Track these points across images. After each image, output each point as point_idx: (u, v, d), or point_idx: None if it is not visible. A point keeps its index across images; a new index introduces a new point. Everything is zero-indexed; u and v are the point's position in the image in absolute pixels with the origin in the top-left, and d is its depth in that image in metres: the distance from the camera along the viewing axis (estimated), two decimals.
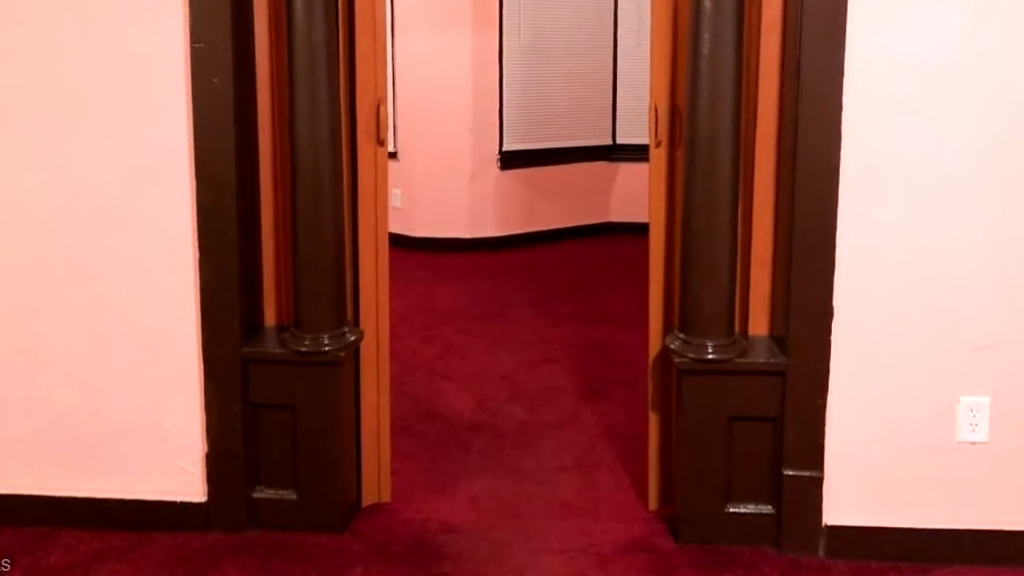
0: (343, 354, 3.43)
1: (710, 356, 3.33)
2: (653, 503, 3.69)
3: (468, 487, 3.84)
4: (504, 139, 8.27)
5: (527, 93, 8.36)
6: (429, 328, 5.96)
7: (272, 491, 3.55)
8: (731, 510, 3.46)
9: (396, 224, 6.98)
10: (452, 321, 6.11)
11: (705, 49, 3.20)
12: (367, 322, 3.61)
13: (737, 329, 3.45)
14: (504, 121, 8.26)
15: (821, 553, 3.40)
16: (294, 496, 3.53)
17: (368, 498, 3.71)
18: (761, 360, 3.37)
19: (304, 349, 3.39)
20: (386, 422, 3.73)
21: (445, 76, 8.02)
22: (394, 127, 7.99)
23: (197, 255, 3.37)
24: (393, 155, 7.96)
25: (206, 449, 3.48)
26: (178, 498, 3.52)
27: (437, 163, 8.13)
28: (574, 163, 8.74)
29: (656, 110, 3.49)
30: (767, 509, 3.45)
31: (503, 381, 5.03)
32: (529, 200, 8.47)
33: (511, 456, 4.13)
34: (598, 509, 3.69)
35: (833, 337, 3.32)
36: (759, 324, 3.51)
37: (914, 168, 3.24)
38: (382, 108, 3.54)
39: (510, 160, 8.30)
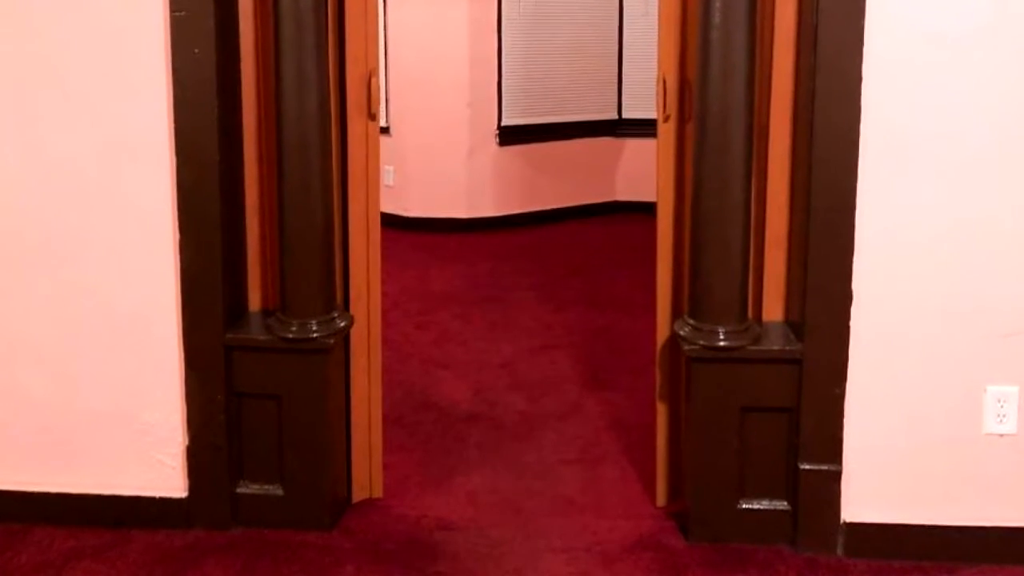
0: (332, 341, 3.43)
1: (721, 343, 3.32)
2: (661, 499, 3.69)
3: (465, 482, 3.85)
4: (503, 113, 8.27)
5: (527, 64, 8.35)
6: (424, 313, 5.97)
7: (257, 486, 3.55)
8: (744, 506, 3.47)
9: (388, 203, 6.98)
10: (448, 306, 6.11)
11: (716, 18, 3.19)
12: (358, 307, 3.61)
13: (750, 314, 3.44)
14: (503, 94, 8.25)
15: (840, 552, 3.40)
16: (280, 491, 3.53)
17: (359, 493, 3.71)
18: (776, 347, 3.37)
19: (291, 335, 3.39)
20: (378, 413, 3.73)
21: (440, 46, 8.01)
22: (386, 101, 7.99)
23: (177, 236, 3.36)
24: (385, 130, 7.96)
25: (187, 442, 3.48)
26: (157, 493, 3.52)
27: (432, 139, 8.12)
28: (577, 139, 8.74)
29: (664, 82, 3.48)
30: (782, 505, 3.45)
31: (502, 369, 5.03)
32: (530, 178, 8.47)
33: (511, 449, 4.13)
34: (603, 505, 3.69)
35: (852, 323, 3.31)
36: (773, 309, 3.51)
37: (938, 143, 3.23)
38: (374, 80, 3.53)
39: (509, 136, 8.30)
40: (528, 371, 5.00)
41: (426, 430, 4.30)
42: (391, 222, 7.07)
